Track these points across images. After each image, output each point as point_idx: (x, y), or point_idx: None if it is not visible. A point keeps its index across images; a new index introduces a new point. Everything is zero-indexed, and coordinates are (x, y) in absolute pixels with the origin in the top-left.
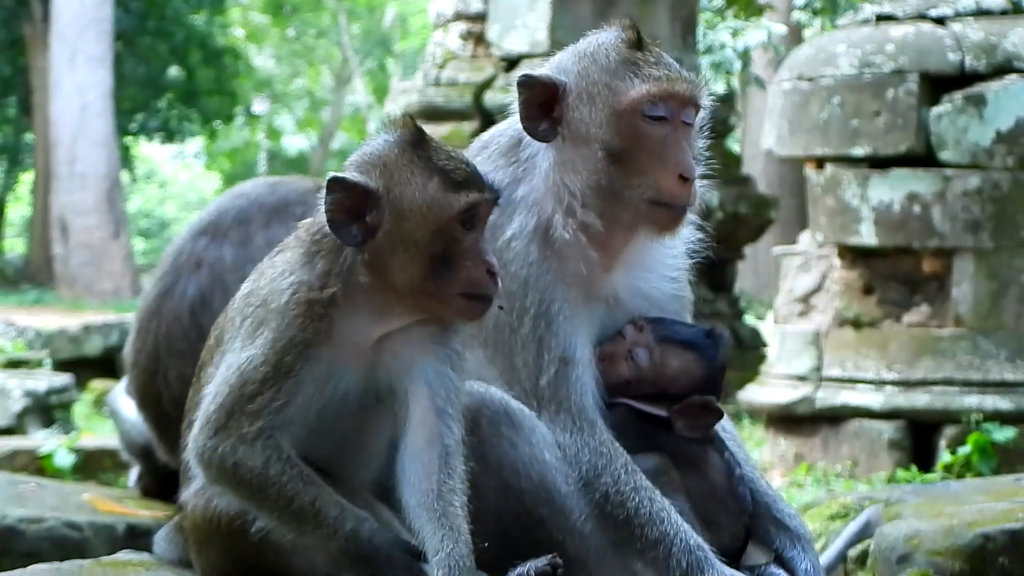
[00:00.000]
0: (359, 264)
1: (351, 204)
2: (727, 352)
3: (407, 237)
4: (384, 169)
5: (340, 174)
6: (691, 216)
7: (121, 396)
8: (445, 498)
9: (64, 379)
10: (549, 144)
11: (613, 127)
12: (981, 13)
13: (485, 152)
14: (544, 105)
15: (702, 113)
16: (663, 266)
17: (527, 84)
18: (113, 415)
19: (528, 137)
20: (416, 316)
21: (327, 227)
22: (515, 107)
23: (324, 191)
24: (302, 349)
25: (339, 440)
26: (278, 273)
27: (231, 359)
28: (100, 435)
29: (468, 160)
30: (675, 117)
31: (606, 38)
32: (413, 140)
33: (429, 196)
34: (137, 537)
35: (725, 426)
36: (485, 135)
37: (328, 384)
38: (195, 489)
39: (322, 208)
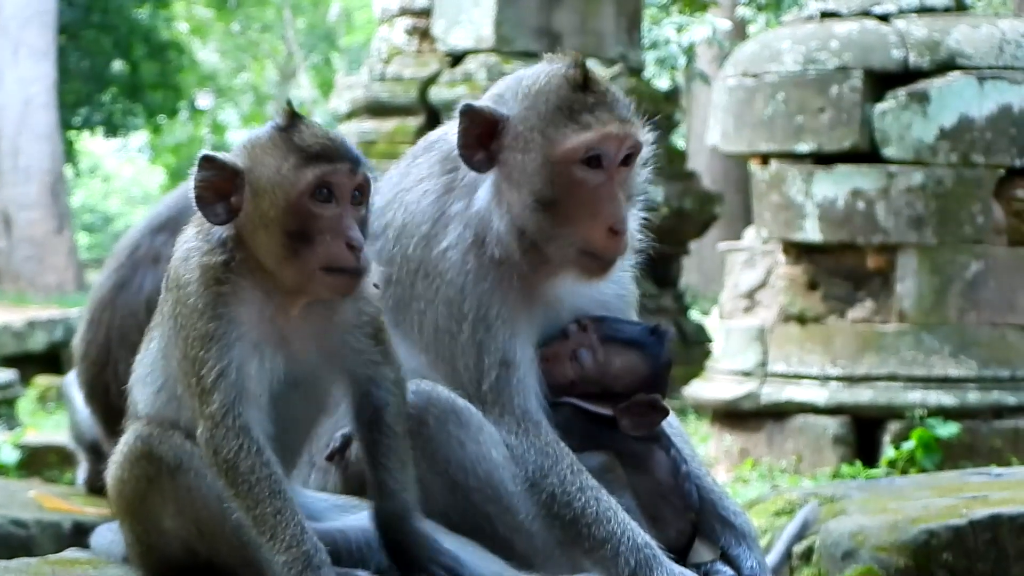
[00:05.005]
0: (231, 240)
1: (219, 183)
2: (672, 349)
3: (263, 215)
4: (251, 151)
5: (211, 152)
6: (624, 260)
7: (75, 386)
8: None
9: (8, 375)
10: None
11: (545, 176)
12: (925, 10)
13: (430, 152)
14: (483, 136)
15: (645, 150)
16: None
17: (468, 114)
18: (67, 403)
19: None
20: (296, 296)
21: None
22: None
23: (195, 168)
24: (214, 312)
25: (284, 423)
26: (178, 244)
27: (165, 347)
28: (45, 431)
29: (332, 135)
30: (612, 161)
31: (552, 74)
32: (282, 123)
33: (281, 174)
34: (83, 535)
35: (671, 422)
36: (434, 134)
37: (257, 354)
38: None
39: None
